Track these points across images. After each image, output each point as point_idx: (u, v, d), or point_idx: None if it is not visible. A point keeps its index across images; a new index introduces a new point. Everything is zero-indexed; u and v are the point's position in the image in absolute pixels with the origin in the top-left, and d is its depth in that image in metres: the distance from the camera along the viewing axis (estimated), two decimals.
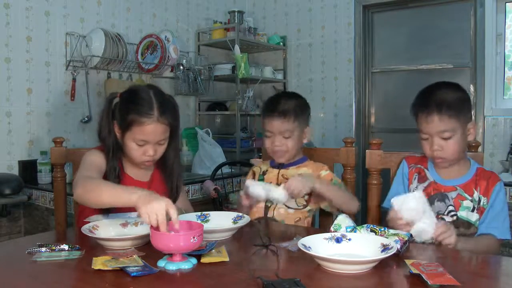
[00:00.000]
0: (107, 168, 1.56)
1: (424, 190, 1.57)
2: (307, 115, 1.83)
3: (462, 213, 1.52)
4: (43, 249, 1.27)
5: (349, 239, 1.24)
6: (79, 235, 1.40)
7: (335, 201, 1.68)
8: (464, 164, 1.58)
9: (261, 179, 1.82)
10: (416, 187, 1.61)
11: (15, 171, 2.66)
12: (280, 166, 1.82)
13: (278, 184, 1.74)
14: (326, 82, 3.85)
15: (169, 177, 1.67)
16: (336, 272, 1.09)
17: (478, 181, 1.55)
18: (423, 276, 1.00)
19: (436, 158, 1.52)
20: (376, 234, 1.28)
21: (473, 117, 1.59)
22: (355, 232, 1.31)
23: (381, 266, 1.11)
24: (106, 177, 1.54)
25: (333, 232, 1.33)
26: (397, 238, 1.23)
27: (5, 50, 2.65)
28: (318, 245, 1.20)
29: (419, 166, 1.65)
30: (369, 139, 2.96)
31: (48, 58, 2.85)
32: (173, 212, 1.20)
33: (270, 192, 1.61)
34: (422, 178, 1.62)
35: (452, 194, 1.54)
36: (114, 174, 1.56)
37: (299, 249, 1.17)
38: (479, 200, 1.52)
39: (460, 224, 1.51)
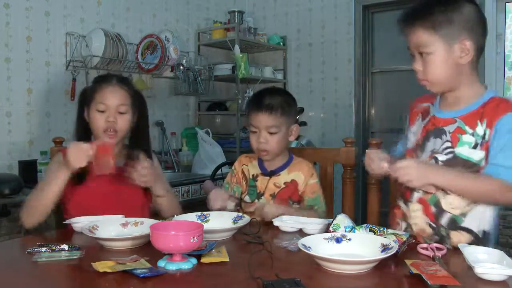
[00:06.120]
0: None
1: (424, 127, 1.37)
2: (294, 112, 1.78)
3: (461, 150, 1.27)
4: (43, 249, 1.27)
5: (349, 239, 1.24)
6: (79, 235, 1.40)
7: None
8: (472, 93, 1.29)
9: (252, 184, 1.77)
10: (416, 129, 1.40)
11: (15, 171, 2.66)
12: (271, 173, 1.76)
13: (271, 195, 1.72)
14: (326, 82, 3.85)
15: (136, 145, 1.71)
16: (336, 272, 1.09)
17: (486, 111, 1.25)
18: (423, 276, 1.00)
19: None
20: (375, 234, 1.28)
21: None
22: (353, 231, 1.31)
23: (381, 266, 1.11)
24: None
25: (332, 231, 1.33)
26: (395, 238, 1.23)
27: (5, 50, 2.65)
28: (318, 245, 1.20)
29: (425, 104, 1.42)
30: (369, 139, 2.96)
31: (48, 58, 2.85)
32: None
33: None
34: (425, 115, 1.39)
35: (450, 128, 1.29)
36: None
37: (299, 249, 1.17)
38: (485, 135, 1.24)
39: (458, 163, 1.27)
